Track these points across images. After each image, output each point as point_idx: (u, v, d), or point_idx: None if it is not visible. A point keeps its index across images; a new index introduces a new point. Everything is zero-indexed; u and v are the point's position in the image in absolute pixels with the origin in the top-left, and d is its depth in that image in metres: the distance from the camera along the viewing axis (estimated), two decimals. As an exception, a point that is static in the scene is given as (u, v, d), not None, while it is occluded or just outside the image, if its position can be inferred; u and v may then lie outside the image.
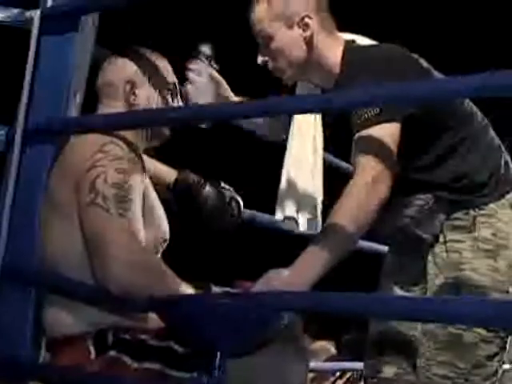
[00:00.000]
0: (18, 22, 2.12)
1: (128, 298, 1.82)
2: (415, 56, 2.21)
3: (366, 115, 2.04)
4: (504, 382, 2.29)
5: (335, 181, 2.38)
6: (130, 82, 2.15)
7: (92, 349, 1.91)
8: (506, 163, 2.23)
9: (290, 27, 2.20)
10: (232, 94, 2.43)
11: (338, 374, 4.63)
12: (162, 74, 2.19)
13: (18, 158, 1.98)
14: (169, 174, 2.36)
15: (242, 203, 2.41)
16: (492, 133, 2.26)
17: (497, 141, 2.26)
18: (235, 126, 2.54)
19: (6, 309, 1.91)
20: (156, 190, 2.14)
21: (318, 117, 2.43)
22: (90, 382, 1.88)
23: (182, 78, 2.31)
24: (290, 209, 2.32)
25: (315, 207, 2.32)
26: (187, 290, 1.89)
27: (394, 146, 2.05)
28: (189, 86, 2.36)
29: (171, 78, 2.22)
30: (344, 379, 4.55)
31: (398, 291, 2.28)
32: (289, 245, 2.36)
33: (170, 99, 2.19)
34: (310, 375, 4.09)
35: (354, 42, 2.26)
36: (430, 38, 5.98)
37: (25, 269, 1.95)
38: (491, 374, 2.10)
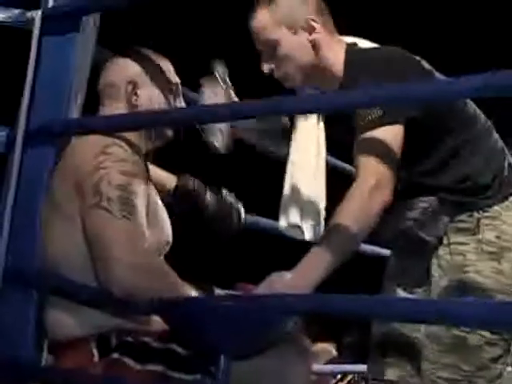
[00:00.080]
0: (19, 22, 2.11)
1: (131, 301, 1.81)
2: (417, 58, 2.20)
3: (369, 117, 2.03)
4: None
5: (336, 182, 2.37)
6: (131, 83, 2.14)
7: (95, 351, 1.91)
8: (510, 165, 2.22)
9: (296, 31, 2.17)
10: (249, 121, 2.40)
11: (338, 376, 4.63)
12: (164, 75, 2.18)
13: (19, 159, 1.97)
14: (168, 179, 2.36)
15: (242, 210, 2.40)
16: (495, 135, 2.26)
17: (500, 143, 2.26)
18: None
19: (7, 310, 1.90)
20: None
21: (321, 119, 2.40)
22: (93, 385, 1.88)
23: (184, 80, 2.30)
24: (293, 216, 2.29)
25: (318, 213, 2.29)
26: (190, 292, 1.89)
27: (397, 149, 2.04)
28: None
29: (173, 78, 2.21)
30: (345, 382, 4.55)
31: (401, 293, 2.27)
32: (291, 248, 2.34)
33: (172, 100, 2.18)
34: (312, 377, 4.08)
35: (355, 44, 2.25)
36: (432, 40, 5.97)
37: (26, 270, 1.94)
38: (495, 377, 2.10)
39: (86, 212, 1.90)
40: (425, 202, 2.16)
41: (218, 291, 2.04)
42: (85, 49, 2.12)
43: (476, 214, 2.14)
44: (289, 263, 1.94)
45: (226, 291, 2.05)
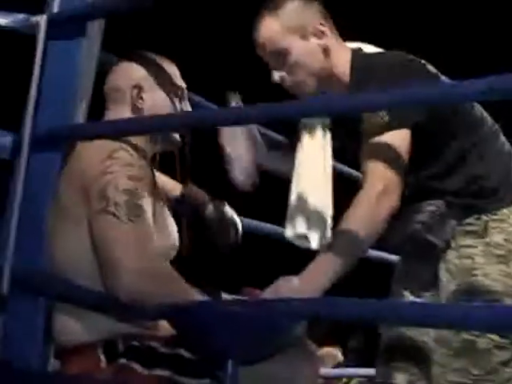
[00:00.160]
0: (24, 27, 2.11)
1: (138, 306, 1.81)
2: (422, 61, 2.20)
3: (376, 122, 2.02)
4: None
5: (343, 188, 2.36)
6: (136, 87, 2.13)
7: (102, 357, 1.90)
8: (517, 167, 2.22)
9: (306, 37, 2.15)
10: (273, 154, 2.38)
11: (344, 380, 4.63)
12: (169, 78, 2.17)
13: (26, 164, 1.97)
14: (173, 187, 2.35)
15: (240, 225, 2.40)
16: (502, 138, 2.25)
17: (507, 146, 2.25)
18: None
19: (14, 316, 1.90)
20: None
21: (327, 127, 2.36)
22: (101, 390, 1.88)
23: (189, 84, 2.29)
24: (300, 225, 2.27)
25: (325, 222, 2.26)
26: (198, 297, 1.88)
27: (404, 154, 2.04)
28: (227, 149, 2.27)
29: (179, 82, 2.20)
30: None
31: (409, 297, 2.26)
32: (298, 253, 2.33)
33: (177, 103, 2.17)
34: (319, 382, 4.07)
35: (360, 49, 2.24)
36: (437, 44, 5.97)
37: (33, 276, 1.93)
38: (505, 381, 2.09)
39: (92, 217, 1.89)
40: (432, 205, 2.15)
41: (225, 296, 2.03)
42: (90, 53, 2.12)
43: (484, 217, 2.14)
44: (296, 268, 1.94)
45: (233, 296, 2.04)
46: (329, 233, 2.24)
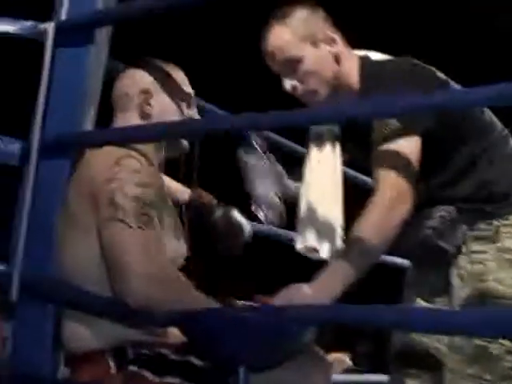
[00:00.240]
0: (32, 34, 2.11)
1: (147, 313, 1.80)
2: (432, 68, 2.19)
3: (386, 129, 2.01)
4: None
5: (353, 196, 2.35)
6: (144, 93, 2.13)
7: (112, 363, 1.89)
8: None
9: (317, 45, 2.14)
10: (291, 182, 2.36)
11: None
12: (176, 84, 2.17)
13: (34, 171, 1.96)
14: (181, 191, 2.35)
15: (248, 230, 2.39)
16: (512, 143, 2.24)
17: (518, 151, 2.24)
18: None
19: (24, 323, 1.89)
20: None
21: (337, 137, 2.34)
22: (111, 398, 1.87)
23: (197, 90, 2.28)
24: (310, 237, 2.25)
25: (335, 233, 2.24)
26: (208, 303, 1.87)
27: (415, 160, 2.03)
28: (257, 191, 2.24)
29: (187, 88, 2.20)
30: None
31: (421, 303, 2.26)
32: (308, 260, 2.32)
33: (185, 110, 2.17)
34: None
35: (368, 57, 2.23)
36: (446, 51, 5.97)
37: (43, 283, 1.93)
38: None
39: (102, 224, 1.89)
40: (443, 211, 2.14)
41: (236, 303, 2.03)
42: (98, 60, 2.12)
43: (495, 222, 2.13)
44: (308, 272, 1.93)
45: (244, 303, 2.04)
46: (339, 243, 2.22)
